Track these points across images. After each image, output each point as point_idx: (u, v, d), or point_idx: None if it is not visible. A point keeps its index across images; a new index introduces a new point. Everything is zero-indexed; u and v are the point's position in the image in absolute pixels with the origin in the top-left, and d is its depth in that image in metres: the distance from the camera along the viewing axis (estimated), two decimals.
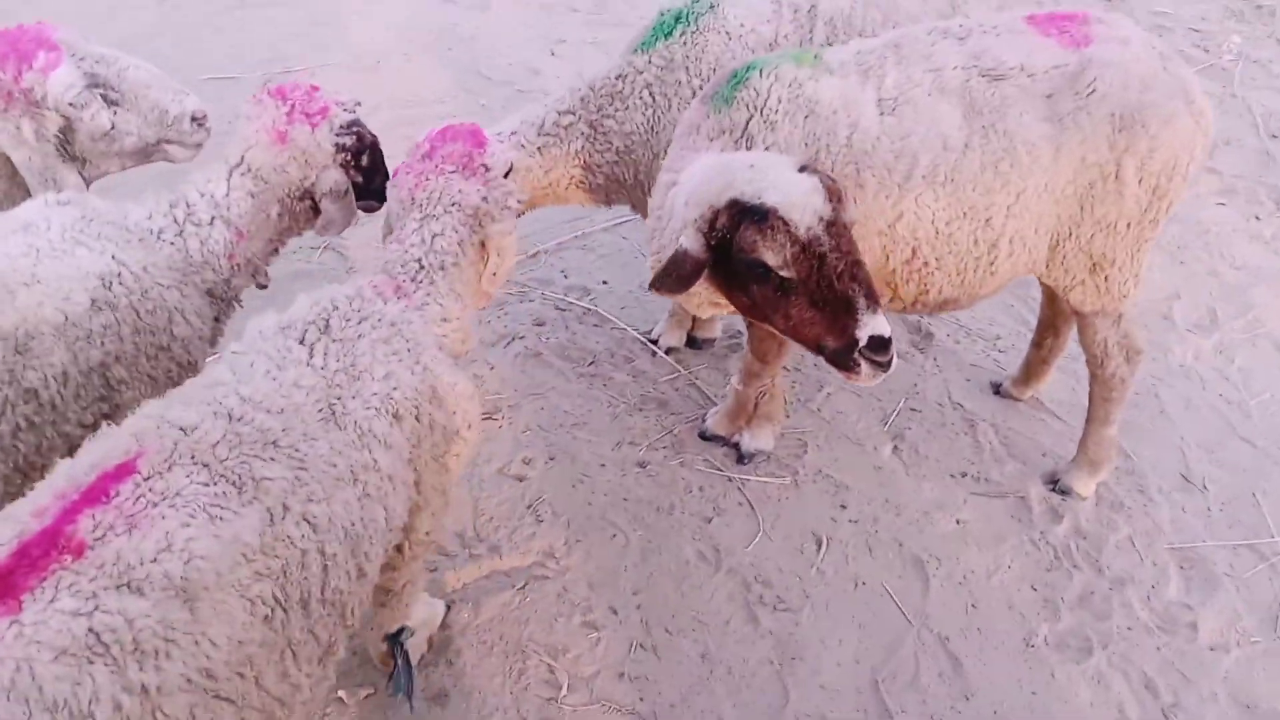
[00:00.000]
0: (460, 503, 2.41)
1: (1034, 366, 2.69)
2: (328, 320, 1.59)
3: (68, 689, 1.12)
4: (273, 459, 1.39)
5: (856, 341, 1.64)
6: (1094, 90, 1.92)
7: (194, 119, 1.93)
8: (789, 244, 1.61)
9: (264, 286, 2.06)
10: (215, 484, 1.32)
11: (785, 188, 1.62)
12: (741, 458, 2.55)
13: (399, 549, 1.77)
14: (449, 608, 2.17)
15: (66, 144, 1.78)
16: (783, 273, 1.66)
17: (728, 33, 2.23)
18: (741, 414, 2.54)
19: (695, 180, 1.78)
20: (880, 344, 1.64)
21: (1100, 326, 2.21)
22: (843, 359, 1.69)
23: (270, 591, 1.34)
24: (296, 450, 1.42)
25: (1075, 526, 2.43)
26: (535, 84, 3.83)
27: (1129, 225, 2.02)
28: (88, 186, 1.86)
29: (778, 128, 1.91)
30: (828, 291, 1.64)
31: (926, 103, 1.90)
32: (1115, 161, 1.95)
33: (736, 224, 1.65)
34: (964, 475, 2.56)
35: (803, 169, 1.67)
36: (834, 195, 1.64)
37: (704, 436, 2.62)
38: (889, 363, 1.69)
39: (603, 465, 2.57)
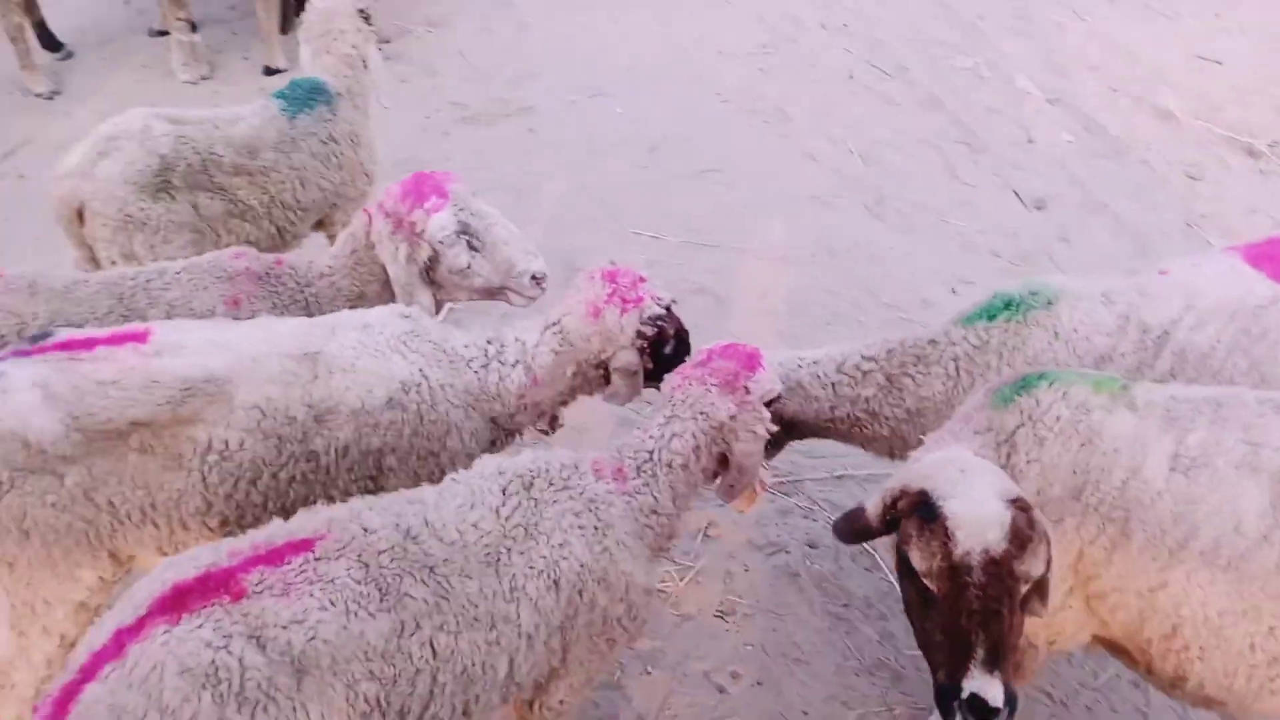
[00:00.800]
0: (656, 685, 2.46)
1: None
2: (534, 479, 1.78)
3: (178, 701, 1.37)
4: (423, 581, 1.58)
5: (959, 690, 1.48)
6: None
7: (534, 277, 2.29)
8: (938, 556, 1.53)
9: (547, 432, 2.33)
10: (365, 584, 1.54)
11: (972, 505, 1.53)
12: None
13: (531, 704, 1.88)
14: None
15: (429, 270, 2.22)
16: (924, 580, 1.57)
17: (1056, 332, 2.12)
18: None
19: (921, 459, 1.74)
20: (980, 708, 1.45)
21: None
22: (942, 697, 1.57)
23: (375, 693, 1.52)
24: (448, 581, 1.60)
25: None
26: (922, 315, 3.84)
27: None
28: (437, 309, 2.28)
29: (1046, 445, 1.78)
30: (952, 625, 1.52)
31: (1230, 475, 1.66)
32: None
33: (910, 512, 1.59)
34: None
35: (1012, 500, 1.55)
36: (1020, 539, 1.49)
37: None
38: None
39: (805, 713, 2.47)
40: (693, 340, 2.25)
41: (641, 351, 2.17)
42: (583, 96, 4.99)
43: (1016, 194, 4.66)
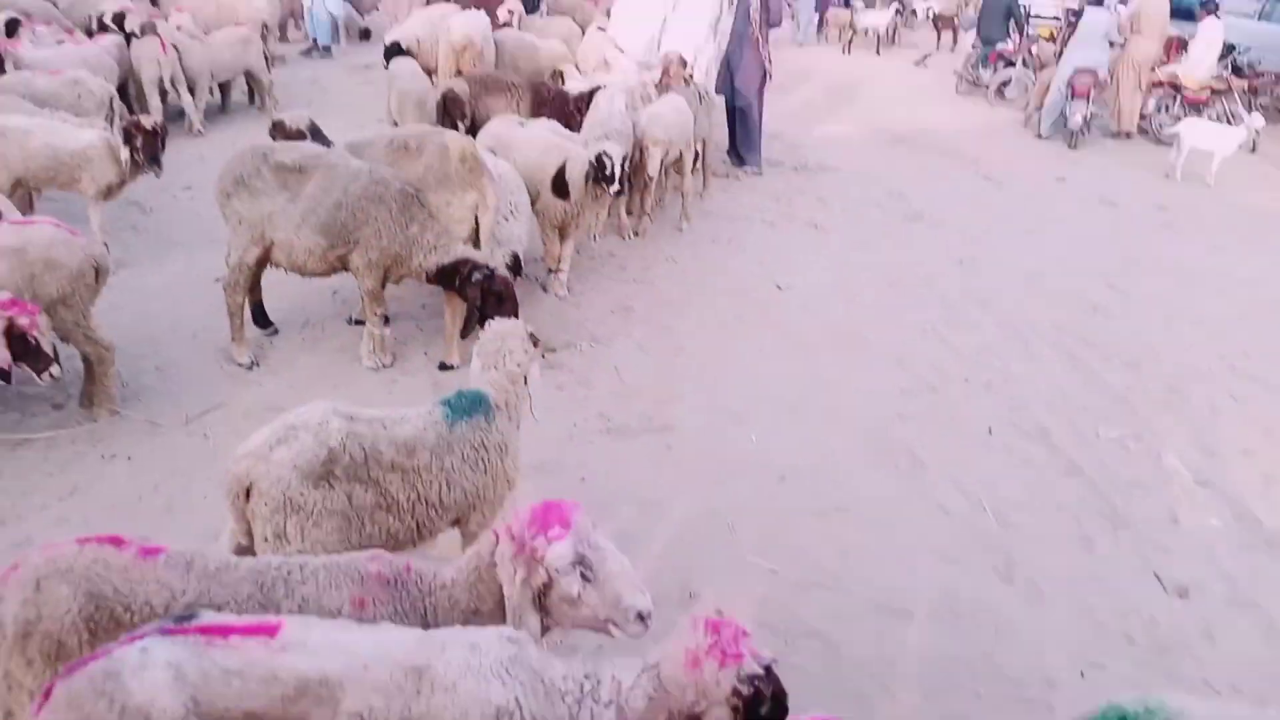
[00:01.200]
0: None
1: None
2: None
3: None
4: None
5: None
6: None
7: (639, 615, 2.35)
8: None
9: None
10: None
11: None
12: None
13: None
14: None
15: (542, 596, 2.32)
16: None
17: None
18: None
19: None
20: None
21: None
22: None
23: None
24: None
25: None
26: (1045, 696, 3.63)
27: None
28: (542, 634, 2.36)
29: None
30: None
31: None
32: None
33: None
34: None
35: None
36: None
37: None
38: None
39: None
40: (799, 690, 2.23)
41: (735, 710, 2.16)
42: (721, 420, 5.23)
43: (1157, 577, 4.46)
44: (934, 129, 14.39)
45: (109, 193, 6.00)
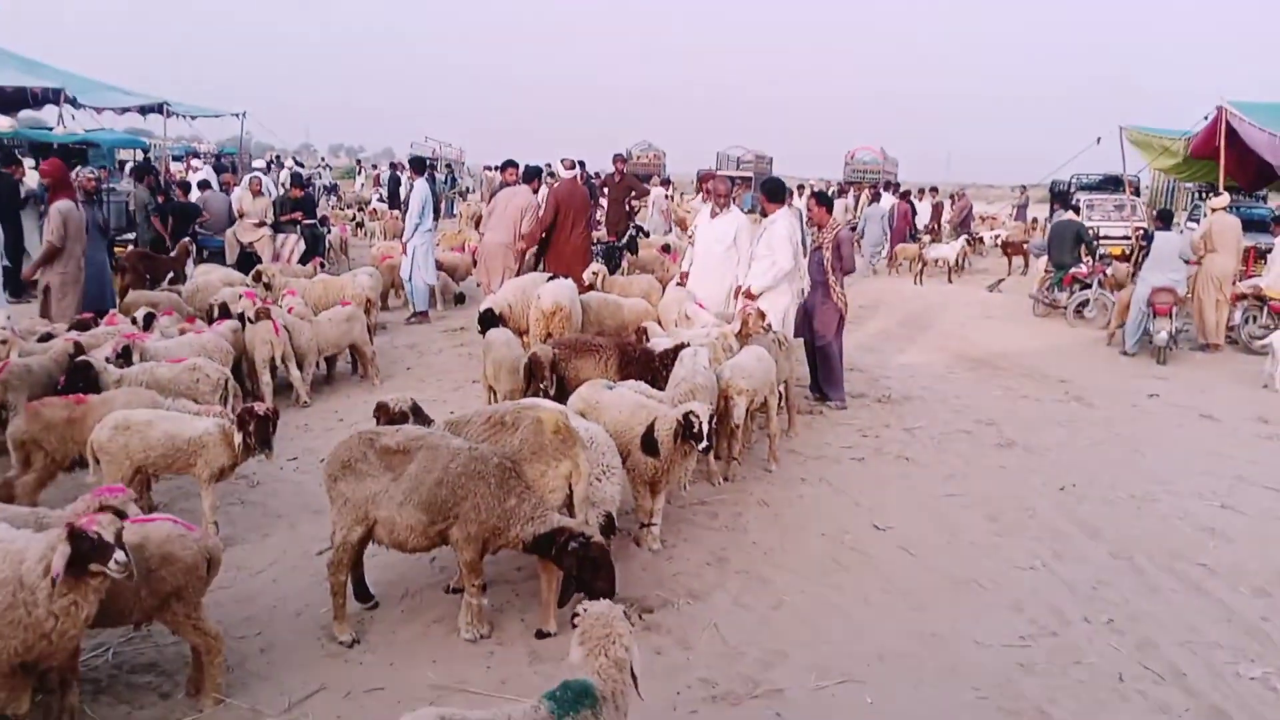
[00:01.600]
0: None
1: None
2: None
3: None
4: None
5: None
6: None
7: None
8: None
9: None
10: None
11: None
12: None
13: None
14: None
15: None
16: None
17: None
18: None
19: None
20: None
21: None
22: None
23: None
24: None
25: None
26: None
27: None
28: None
29: None
30: None
31: None
32: None
33: None
34: None
35: None
36: None
37: None
38: None
39: None
40: None
41: None
42: (832, 682, 4.98)
43: None
44: (1015, 351, 14.44)
45: (221, 475, 6.30)
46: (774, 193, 9.96)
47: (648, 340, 8.85)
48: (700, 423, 5.60)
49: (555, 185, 12.54)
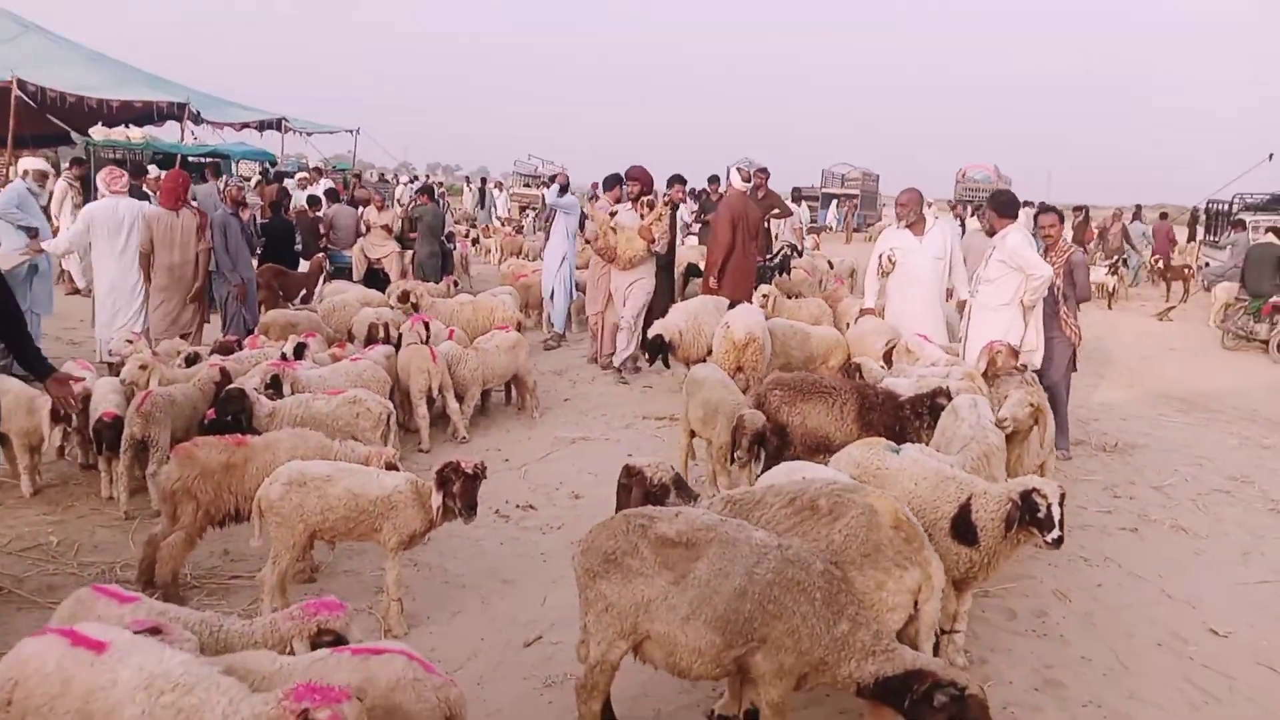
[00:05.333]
0: None
1: None
2: None
3: None
4: None
5: None
6: None
7: None
8: None
9: None
10: None
11: None
12: None
13: None
14: None
15: None
16: None
17: None
18: None
19: None
20: None
21: None
22: None
23: None
24: None
25: None
26: None
27: None
28: None
29: None
30: None
31: None
32: None
33: None
34: None
35: None
36: None
37: None
38: None
39: None
40: None
41: None
42: None
43: None
44: (1221, 390, 12.87)
45: (410, 542, 5.18)
46: (1005, 205, 8.50)
47: (861, 378, 7.52)
48: (1048, 504, 4.23)
49: (727, 198, 11.26)
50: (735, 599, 3.50)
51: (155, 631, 3.19)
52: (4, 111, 17.43)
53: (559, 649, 4.95)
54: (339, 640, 3.33)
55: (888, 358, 8.33)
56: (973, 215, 25.83)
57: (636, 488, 4.37)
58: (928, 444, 5.67)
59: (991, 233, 8.77)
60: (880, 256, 9.35)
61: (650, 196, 11.44)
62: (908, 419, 6.16)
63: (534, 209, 31.33)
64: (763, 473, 5.38)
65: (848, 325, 10.40)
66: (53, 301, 11.35)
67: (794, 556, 3.55)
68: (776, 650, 3.49)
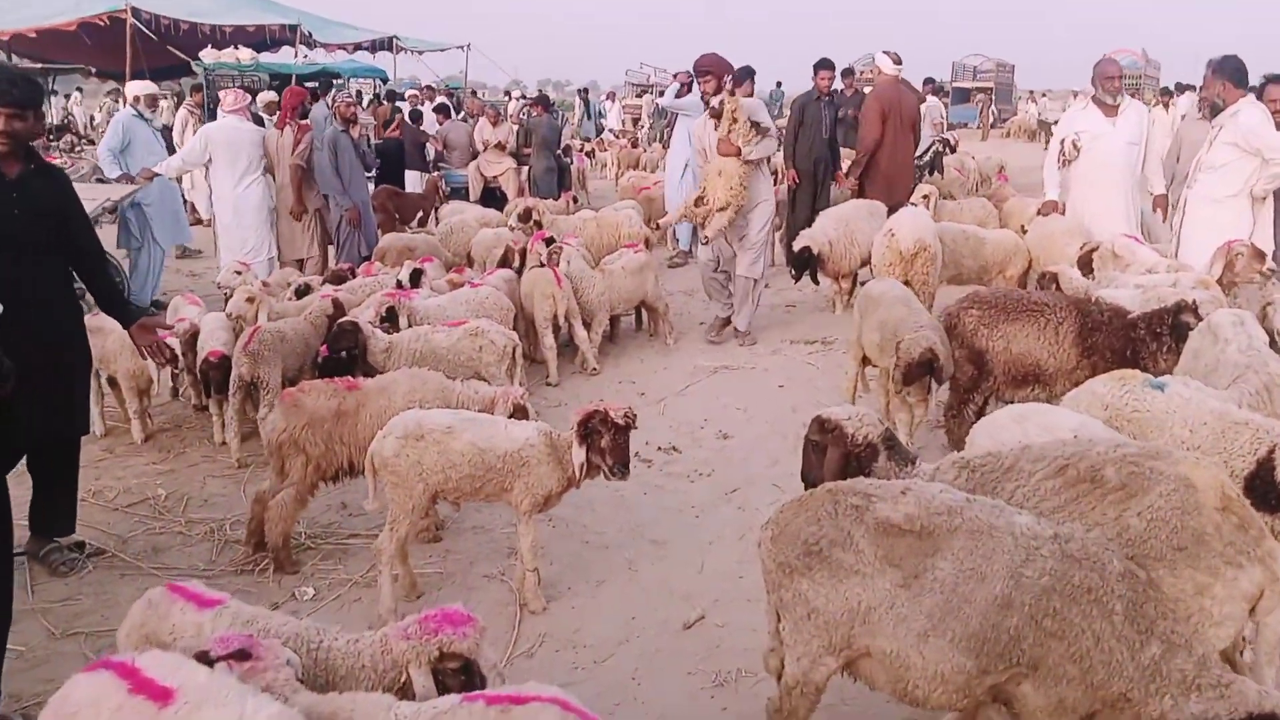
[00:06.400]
0: None
1: None
2: None
3: None
4: None
5: None
6: None
7: None
8: None
9: None
10: None
11: None
12: None
13: None
14: None
15: None
16: None
17: None
18: None
19: None
20: None
21: None
22: None
23: None
24: None
25: None
26: None
27: None
28: None
29: None
30: None
31: None
32: None
33: None
34: None
35: None
36: None
37: None
38: None
39: None
40: None
41: None
42: None
43: None
44: None
45: (546, 504, 4.39)
46: (1238, 74, 6.97)
47: (1059, 288, 6.32)
48: None
49: (876, 86, 9.93)
50: (995, 611, 2.54)
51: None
52: (121, 42, 17.25)
53: (726, 634, 4.12)
54: (466, 667, 2.54)
55: (1084, 264, 7.03)
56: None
57: (834, 448, 3.34)
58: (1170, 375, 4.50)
59: (1215, 113, 7.26)
60: (1063, 141, 7.96)
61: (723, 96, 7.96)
62: (1142, 341, 4.96)
63: (647, 119, 30.08)
64: (976, 420, 4.34)
65: (1022, 229, 9.05)
66: (184, 230, 11.04)
67: (1079, 552, 2.54)
68: (1054, 680, 2.52)
